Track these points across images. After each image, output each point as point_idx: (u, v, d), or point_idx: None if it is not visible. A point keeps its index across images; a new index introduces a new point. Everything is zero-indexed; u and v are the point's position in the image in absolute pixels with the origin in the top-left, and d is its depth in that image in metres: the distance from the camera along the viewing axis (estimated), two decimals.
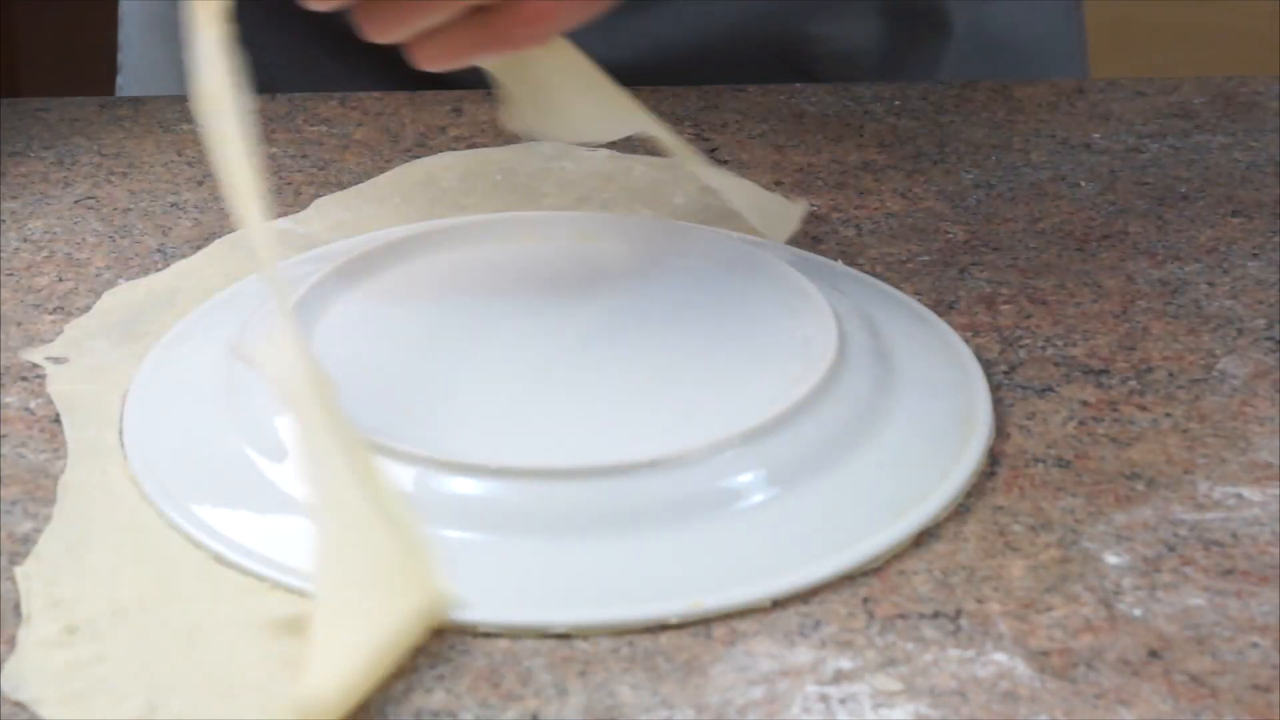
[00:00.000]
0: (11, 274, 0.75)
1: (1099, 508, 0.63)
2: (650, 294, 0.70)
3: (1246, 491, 0.63)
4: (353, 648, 0.53)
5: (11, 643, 0.57)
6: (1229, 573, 0.60)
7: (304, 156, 0.83)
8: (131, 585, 0.58)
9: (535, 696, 0.55)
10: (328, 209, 0.80)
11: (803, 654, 0.56)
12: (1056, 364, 0.70)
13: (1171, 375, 0.69)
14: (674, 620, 0.57)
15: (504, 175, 0.82)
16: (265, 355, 0.63)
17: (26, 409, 0.67)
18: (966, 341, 0.71)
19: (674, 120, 0.87)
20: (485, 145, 0.84)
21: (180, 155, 0.83)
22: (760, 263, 0.71)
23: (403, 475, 0.60)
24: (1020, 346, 0.71)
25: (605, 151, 0.83)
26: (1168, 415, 0.67)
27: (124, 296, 0.73)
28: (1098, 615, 0.58)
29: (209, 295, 0.73)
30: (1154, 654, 0.57)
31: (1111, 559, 0.60)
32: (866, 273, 0.75)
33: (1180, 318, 0.73)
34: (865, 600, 0.59)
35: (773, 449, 0.62)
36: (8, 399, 0.67)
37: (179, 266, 0.75)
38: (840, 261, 0.76)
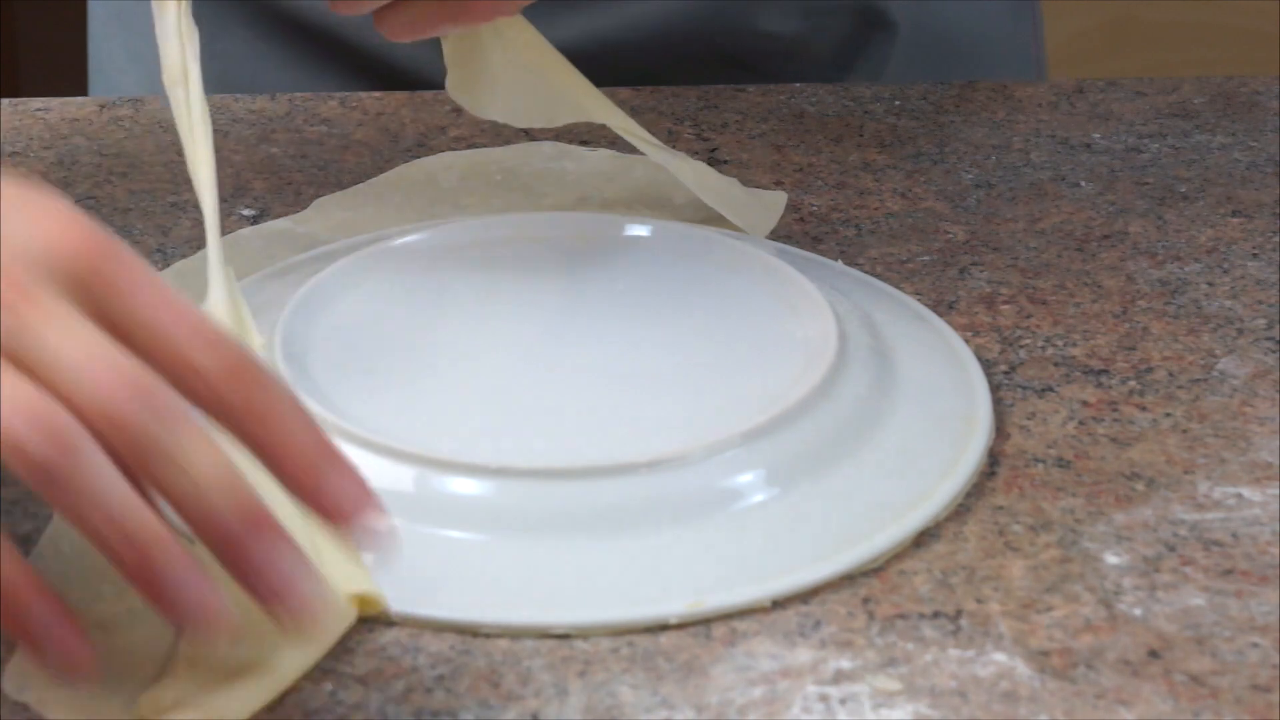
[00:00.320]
0: None
1: (1099, 508, 0.63)
2: (650, 294, 0.70)
3: (1246, 491, 0.63)
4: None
5: (12, 644, 0.57)
6: (1229, 573, 0.60)
7: (304, 156, 0.83)
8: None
9: (535, 696, 0.55)
10: (328, 209, 0.80)
11: (803, 654, 0.56)
12: (1056, 364, 0.70)
13: (1171, 375, 0.69)
14: (674, 620, 0.57)
15: (504, 175, 0.82)
16: None
17: None
18: (966, 341, 0.71)
19: (674, 120, 0.87)
20: (485, 145, 0.84)
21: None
22: (760, 263, 0.71)
23: (403, 475, 0.60)
24: (1020, 346, 0.71)
25: (605, 151, 0.83)
26: (1168, 415, 0.67)
27: None
28: (1098, 615, 0.58)
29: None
30: (1154, 654, 0.57)
31: (1111, 559, 0.60)
32: (866, 273, 0.75)
33: (1180, 318, 0.73)
34: (865, 600, 0.59)
35: (773, 449, 0.62)
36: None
37: (179, 266, 0.75)
38: (840, 261, 0.76)
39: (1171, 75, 0.91)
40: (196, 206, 0.79)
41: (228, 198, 0.80)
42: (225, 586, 0.50)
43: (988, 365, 0.69)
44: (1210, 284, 0.75)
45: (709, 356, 0.67)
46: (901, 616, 0.58)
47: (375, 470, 0.60)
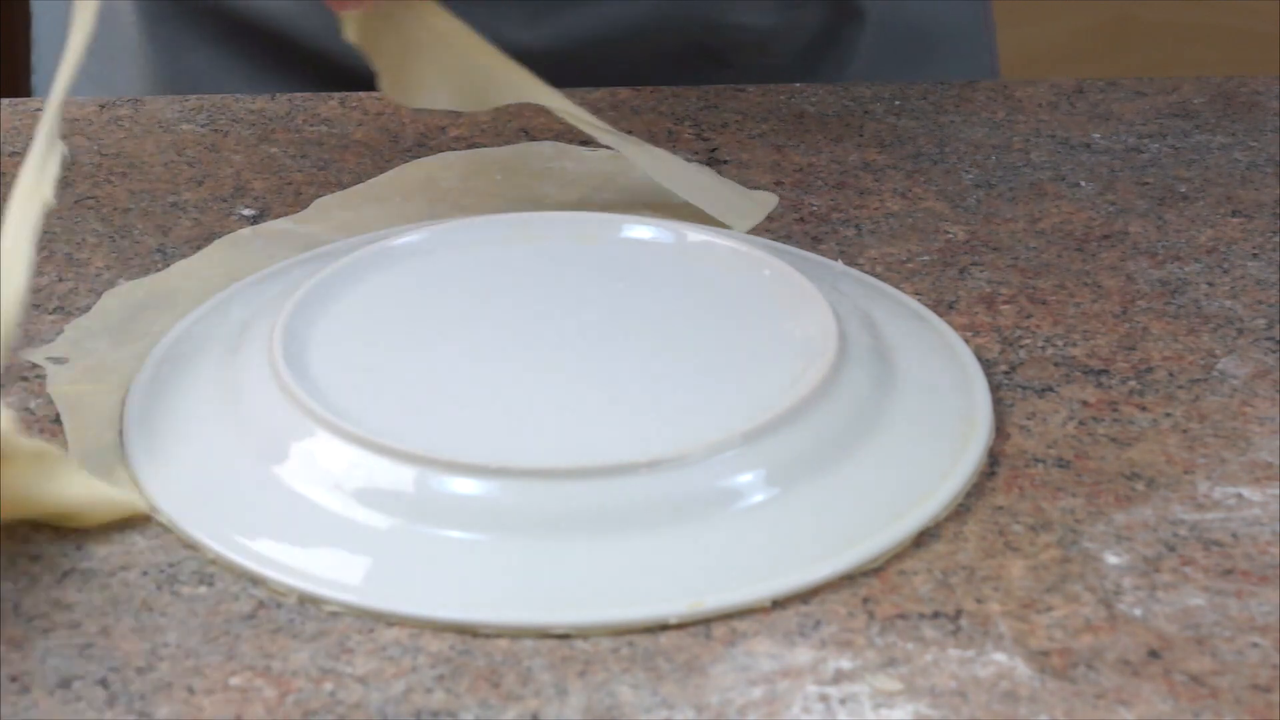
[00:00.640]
0: None
1: (1099, 508, 0.63)
2: (650, 294, 0.70)
3: (1246, 491, 0.63)
4: None
5: (12, 642, 0.57)
6: (1229, 573, 0.60)
7: (304, 156, 0.83)
8: None
9: (535, 696, 0.55)
10: (328, 209, 0.80)
11: (803, 654, 0.56)
12: (1056, 364, 0.70)
13: (1171, 375, 0.69)
14: (674, 620, 0.58)
15: (504, 175, 0.82)
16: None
17: (26, 409, 0.67)
18: (966, 341, 0.71)
19: (674, 120, 0.87)
20: (485, 145, 0.84)
21: (180, 155, 0.83)
22: (760, 263, 0.71)
23: (403, 475, 0.60)
24: (1020, 346, 0.71)
25: (605, 151, 0.83)
26: (1168, 415, 0.67)
27: (124, 296, 0.73)
28: (1098, 615, 0.58)
29: (209, 295, 0.73)
30: (1154, 654, 0.57)
31: (1111, 559, 0.60)
32: (866, 273, 0.75)
33: (1180, 318, 0.73)
34: (865, 600, 0.59)
35: (773, 449, 0.62)
36: (8, 399, 0.67)
37: (179, 266, 0.75)
38: (840, 261, 0.76)
39: (1171, 75, 0.91)
40: (197, 206, 0.80)
41: (228, 197, 0.80)
42: None
43: (988, 365, 0.69)
44: (1210, 284, 0.75)
45: (709, 356, 0.67)
46: (901, 616, 0.58)
47: (375, 470, 0.60)
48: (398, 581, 0.59)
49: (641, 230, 0.73)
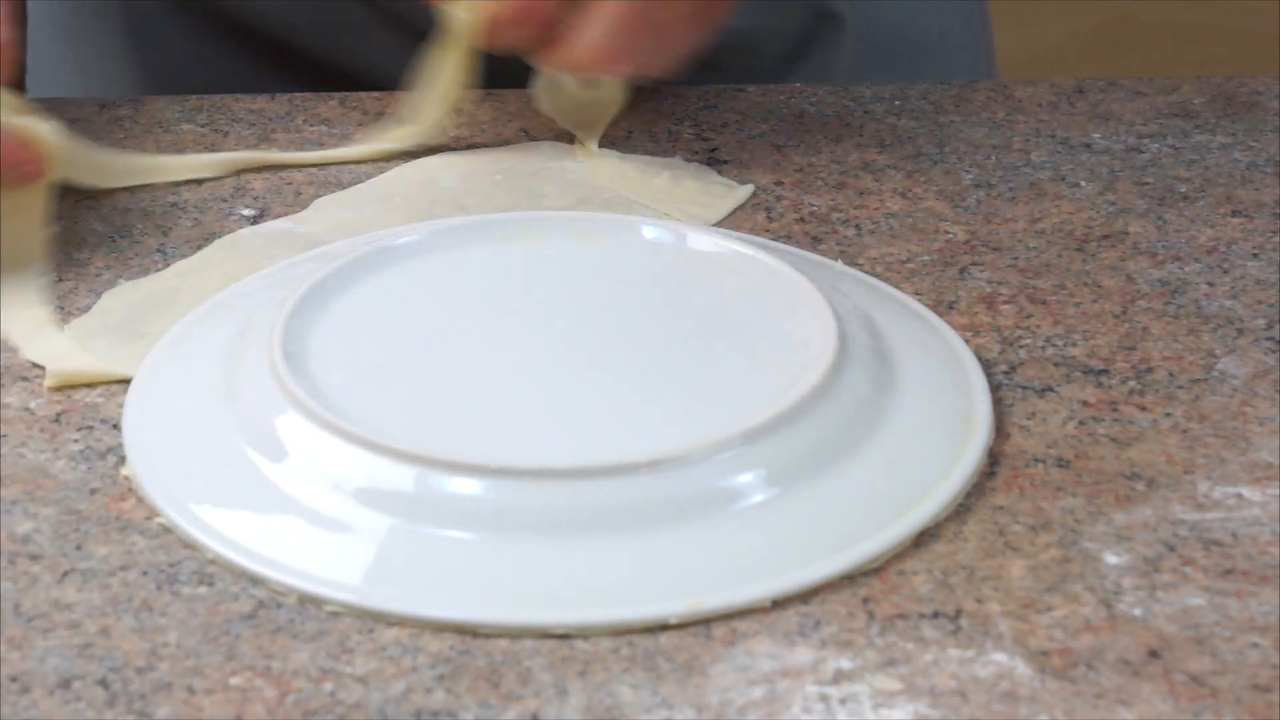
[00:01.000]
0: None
1: (1099, 508, 0.63)
2: (650, 294, 0.70)
3: (1246, 491, 0.63)
4: None
5: (12, 642, 0.57)
6: (1229, 573, 0.60)
7: None
8: None
9: (535, 696, 0.55)
10: (328, 209, 0.79)
11: (803, 654, 0.56)
12: (1056, 364, 0.70)
13: (1171, 375, 0.69)
14: (674, 620, 0.58)
15: (504, 175, 0.82)
16: None
17: (26, 409, 0.67)
18: (966, 341, 0.71)
19: (674, 120, 0.87)
20: (485, 145, 0.84)
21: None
22: (760, 263, 0.71)
23: (403, 475, 0.60)
24: (1020, 346, 0.71)
25: (604, 151, 0.83)
26: (1168, 415, 0.67)
27: (124, 296, 0.73)
28: (1098, 615, 0.58)
29: (209, 295, 0.73)
30: (1154, 654, 0.57)
31: (1111, 559, 0.60)
32: (866, 273, 0.75)
33: (1180, 318, 0.73)
34: (865, 600, 0.59)
35: (773, 449, 0.62)
36: (8, 399, 0.67)
37: (179, 266, 0.75)
38: (840, 261, 0.76)
39: (1171, 75, 0.91)
40: (197, 206, 0.80)
41: (228, 198, 0.80)
42: None
43: (988, 365, 0.69)
44: (1210, 284, 0.75)
45: (709, 356, 0.67)
46: (901, 616, 0.58)
47: (375, 470, 0.60)
48: (398, 581, 0.59)
49: (642, 230, 0.73)
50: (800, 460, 0.62)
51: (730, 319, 0.69)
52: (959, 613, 0.58)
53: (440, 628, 0.57)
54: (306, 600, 0.59)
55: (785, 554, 0.60)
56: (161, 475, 0.63)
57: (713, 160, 0.83)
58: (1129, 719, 0.54)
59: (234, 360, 0.66)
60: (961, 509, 0.62)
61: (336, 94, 0.88)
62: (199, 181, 0.81)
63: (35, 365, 0.69)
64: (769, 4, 0.93)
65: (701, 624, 0.58)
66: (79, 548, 0.61)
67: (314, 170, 0.82)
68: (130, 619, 0.58)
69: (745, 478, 0.61)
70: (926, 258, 0.76)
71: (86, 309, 0.72)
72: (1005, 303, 0.73)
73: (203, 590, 0.59)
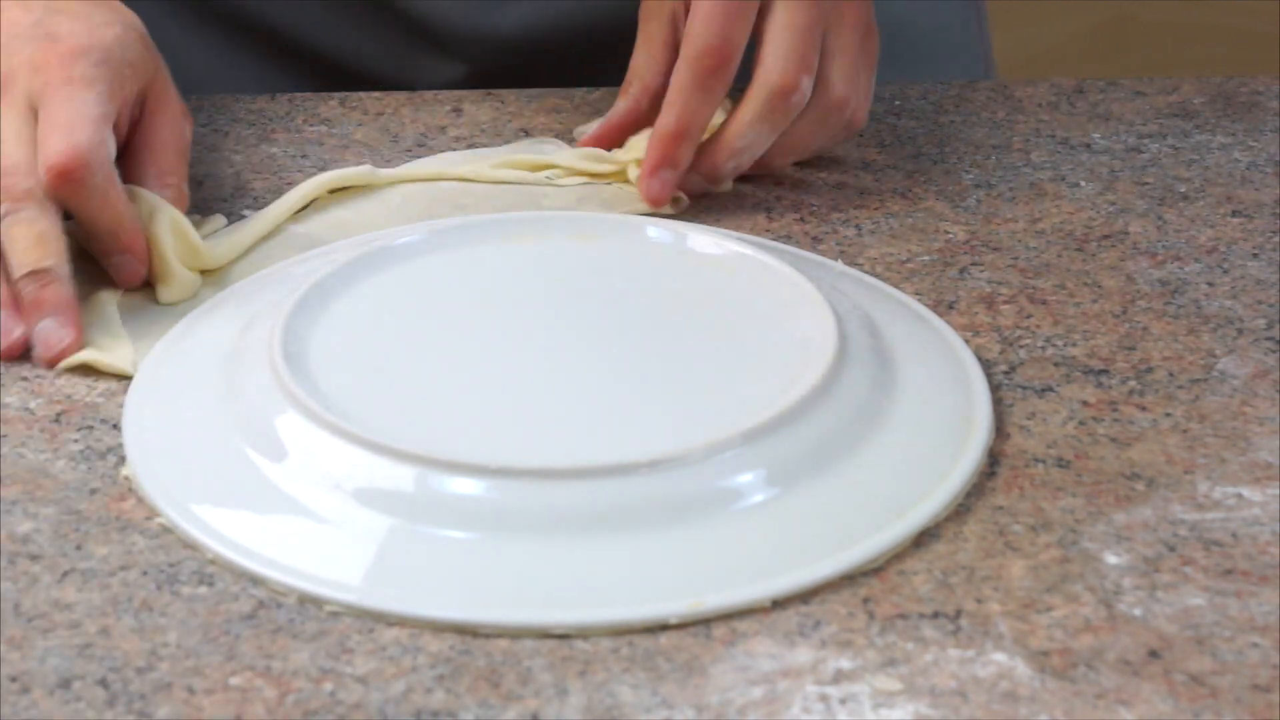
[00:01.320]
0: None
1: (1099, 508, 0.63)
2: (650, 294, 0.70)
3: (1246, 491, 0.63)
4: None
5: (12, 642, 0.57)
6: (1229, 573, 0.60)
7: (304, 156, 0.83)
8: None
9: (535, 696, 0.55)
10: (328, 209, 0.79)
11: (803, 654, 0.56)
12: (1056, 364, 0.70)
13: (1171, 375, 0.69)
14: (674, 620, 0.58)
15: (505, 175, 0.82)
16: None
17: (26, 409, 0.67)
18: (966, 341, 0.71)
19: None
20: (485, 145, 0.84)
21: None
22: (760, 263, 0.71)
23: (403, 475, 0.60)
24: (1020, 346, 0.71)
25: (602, 152, 0.83)
26: (1168, 415, 0.67)
27: (125, 296, 0.73)
28: (1098, 615, 0.58)
29: (209, 295, 0.73)
30: (1154, 654, 0.57)
31: (1111, 559, 0.60)
32: (866, 273, 0.75)
33: (1180, 318, 0.73)
34: (865, 600, 0.59)
35: (773, 449, 0.62)
36: (8, 399, 0.67)
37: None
38: (840, 261, 0.76)
39: (1171, 75, 0.91)
40: (197, 206, 0.79)
41: (228, 198, 0.80)
42: None
43: (988, 365, 0.69)
44: (1210, 284, 0.75)
45: (709, 356, 0.67)
46: (901, 616, 0.58)
47: (375, 470, 0.60)
48: (397, 581, 0.59)
49: (642, 230, 0.73)
50: (800, 460, 0.62)
51: (730, 319, 0.69)
52: (959, 613, 0.58)
53: (440, 628, 0.57)
54: (306, 600, 0.59)
55: (785, 554, 0.60)
56: (161, 475, 0.63)
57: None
58: (1129, 719, 0.54)
59: (234, 360, 0.66)
60: (961, 509, 0.62)
61: (336, 94, 0.89)
62: (199, 181, 0.81)
63: (36, 366, 0.69)
64: None
65: (701, 624, 0.58)
66: (79, 548, 0.61)
67: (314, 170, 0.82)
68: (130, 619, 0.58)
69: (745, 478, 0.61)
70: (926, 258, 0.76)
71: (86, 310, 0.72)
72: (1005, 303, 0.73)
73: (203, 590, 0.59)
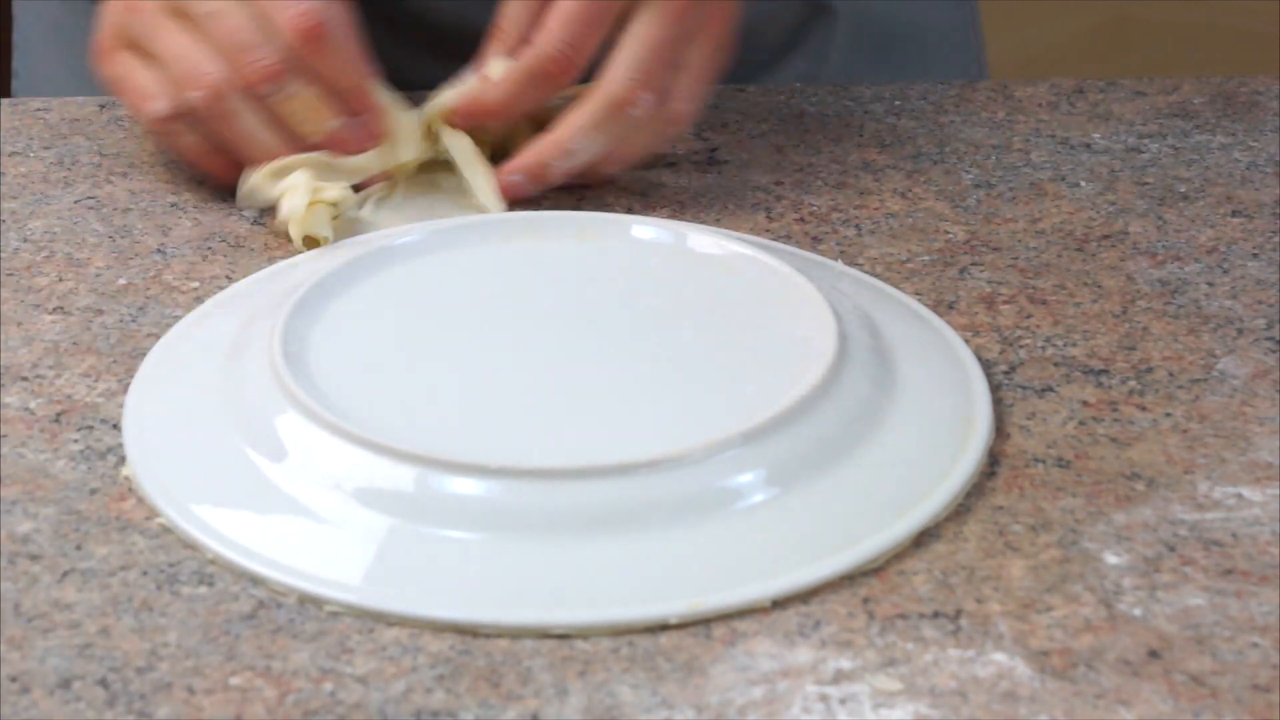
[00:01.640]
0: (11, 274, 0.75)
1: (1099, 508, 0.63)
2: (650, 294, 0.70)
3: (1246, 491, 0.63)
4: None
5: (12, 642, 0.57)
6: (1229, 573, 0.60)
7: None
8: None
9: (535, 696, 0.55)
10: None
11: (803, 654, 0.56)
12: (1056, 364, 0.70)
13: (1171, 375, 0.69)
14: (674, 620, 0.58)
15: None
16: None
17: (26, 409, 0.67)
18: (966, 341, 0.71)
19: None
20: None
21: (160, 148, 0.83)
22: (760, 263, 0.71)
23: (403, 475, 0.60)
24: (1020, 346, 0.71)
25: None
26: (1168, 415, 0.67)
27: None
28: (1098, 615, 0.58)
29: (209, 294, 0.73)
30: (1154, 654, 0.57)
31: (1111, 559, 0.60)
32: (866, 273, 0.75)
33: (1180, 318, 0.73)
34: (865, 600, 0.59)
35: (773, 449, 0.62)
36: (8, 399, 0.67)
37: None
38: (840, 261, 0.76)
39: (1171, 75, 0.91)
40: (196, 206, 0.80)
41: (228, 198, 0.80)
42: None
43: (988, 365, 0.69)
44: (1210, 284, 0.75)
45: (709, 356, 0.67)
46: (901, 616, 0.58)
47: (375, 470, 0.60)
48: (397, 581, 0.59)
49: (642, 230, 0.73)
50: (800, 460, 0.62)
51: (730, 319, 0.69)
52: (959, 613, 0.58)
53: (440, 628, 0.57)
54: (306, 600, 0.59)
55: (785, 554, 0.60)
56: (161, 475, 0.63)
57: (713, 160, 0.83)
58: (1129, 719, 0.54)
59: (234, 360, 0.66)
60: (961, 509, 0.62)
61: None
62: (199, 181, 0.81)
63: (35, 365, 0.69)
64: None
65: (701, 624, 0.58)
66: (79, 548, 0.61)
67: None
68: (130, 619, 0.58)
69: (745, 478, 0.61)
70: (926, 258, 0.76)
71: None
72: (1005, 303, 0.73)
73: (203, 590, 0.59)
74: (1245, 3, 2.12)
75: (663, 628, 0.57)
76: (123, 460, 0.64)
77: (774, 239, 0.77)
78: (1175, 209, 0.80)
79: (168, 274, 0.75)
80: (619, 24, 0.77)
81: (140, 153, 0.84)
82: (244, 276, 0.74)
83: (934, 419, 0.66)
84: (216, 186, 0.80)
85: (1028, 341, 0.71)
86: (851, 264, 0.76)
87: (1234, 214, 0.79)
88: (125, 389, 0.68)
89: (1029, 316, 0.73)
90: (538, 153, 0.78)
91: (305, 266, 0.73)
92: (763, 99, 0.89)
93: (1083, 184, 0.82)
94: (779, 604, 0.58)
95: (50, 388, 0.68)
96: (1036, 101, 0.89)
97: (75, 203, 0.80)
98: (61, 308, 0.73)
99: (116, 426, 0.66)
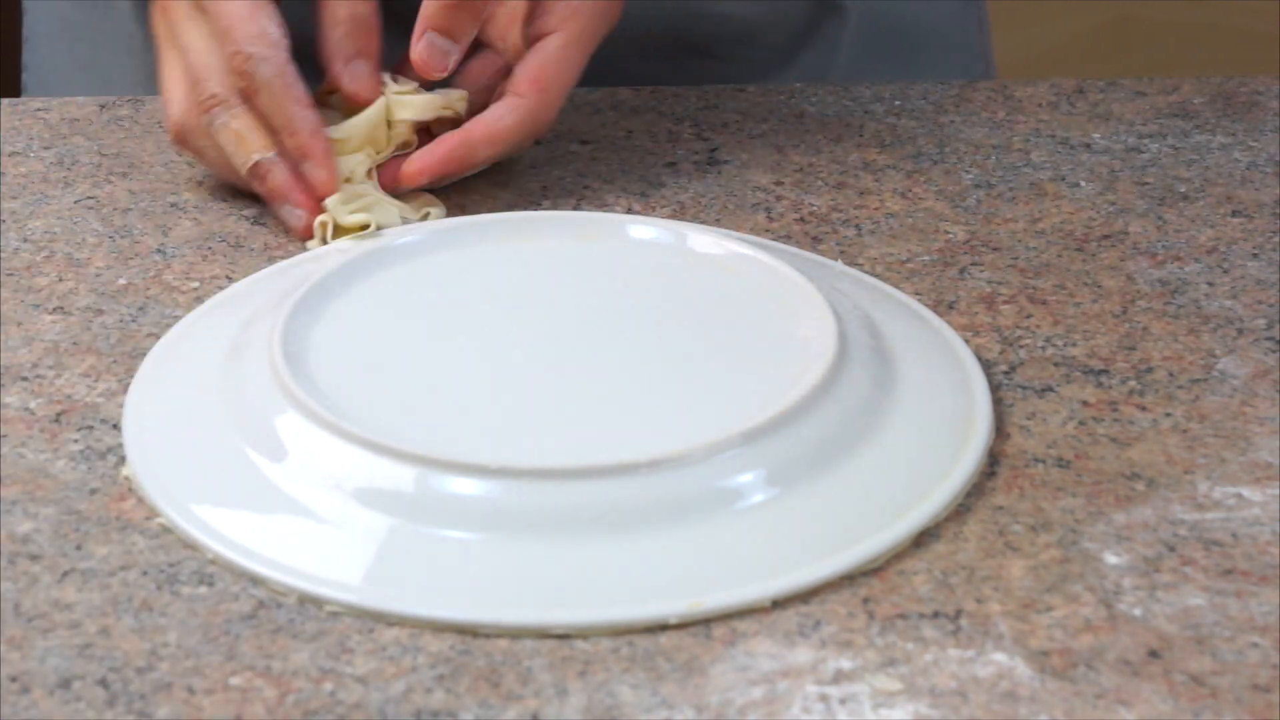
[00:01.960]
0: (11, 274, 0.75)
1: (1099, 508, 0.63)
2: (650, 294, 0.70)
3: (1246, 491, 0.63)
4: None
5: (12, 642, 0.57)
6: (1229, 573, 0.60)
7: None
8: None
9: (535, 696, 0.55)
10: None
11: (803, 654, 0.56)
12: (1056, 364, 0.70)
13: (1171, 375, 0.69)
14: (674, 620, 0.58)
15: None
16: None
17: (26, 409, 0.67)
18: (966, 341, 0.71)
19: (674, 120, 0.87)
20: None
21: (180, 155, 0.83)
22: (760, 263, 0.71)
23: (403, 475, 0.60)
24: (1020, 346, 0.71)
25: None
26: (1168, 415, 0.67)
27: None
28: (1098, 615, 0.58)
29: (209, 294, 0.73)
30: (1154, 654, 0.57)
31: (1111, 559, 0.60)
32: (866, 273, 0.75)
33: (1180, 318, 0.73)
34: (865, 600, 0.59)
35: (773, 449, 0.62)
36: (8, 399, 0.67)
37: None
38: (840, 261, 0.76)
39: (1171, 75, 0.91)
40: (196, 206, 0.80)
41: (228, 198, 0.80)
42: None
43: (988, 365, 0.69)
44: (1210, 284, 0.75)
45: (709, 356, 0.67)
46: (901, 616, 0.58)
47: (375, 470, 0.60)
48: (398, 581, 0.59)
49: (642, 230, 0.73)
50: (800, 460, 0.62)
51: (730, 319, 0.69)
52: (959, 613, 0.58)
53: (440, 628, 0.57)
54: (306, 600, 0.59)
55: (785, 554, 0.60)
56: (161, 475, 0.63)
57: (713, 160, 0.83)
58: (1129, 719, 0.54)
59: (234, 360, 0.66)
60: (961, 509, 0.62)
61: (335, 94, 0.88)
62: (199, 181, 0.81)
63: (35, 365, 0.69)
64: None
65: (701, 624, 0.58)
66: (79, 548, 0.61)
67: None
68: (130, 619, 0.58)
69: (745, 478, 0.61)
70: (926, 258, 0.76)
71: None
72: (1005, 303, 0.73)
73: (203, 590, 0.59)
74: (1245, 3, 2.12)
75: (663, 628, 0.57)
76: (123, 460, 0.64)
77: (774, 239, 0.77)
78: (1175, 209, 0.80)
79: (168, 274, 0.75)
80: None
81: (140, 153, 0.84)
82: (244, 276, 0.74)
83: (934, 419, 0.66)
84: (216, 186, 0.81)
85: (1028, 341, 0.71)
86: (851, 264, 0.76)
87: (1234, 214, 0.79)
88: (125, 389, 0.68)
89: (1029, 316, 0.73)
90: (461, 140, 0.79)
91: (305, 266, 0.73)
92: (763, 99, 0.89)
93: (1083, 184, 0.82)
94: (779, 604, 0.58)
95: (50, 388, 0.68)
96: (1036, 101, 0.89)
97: (75, 203, 0.80)
98: (61, 308, 0.73)
99: (116, 426, 0.66)
